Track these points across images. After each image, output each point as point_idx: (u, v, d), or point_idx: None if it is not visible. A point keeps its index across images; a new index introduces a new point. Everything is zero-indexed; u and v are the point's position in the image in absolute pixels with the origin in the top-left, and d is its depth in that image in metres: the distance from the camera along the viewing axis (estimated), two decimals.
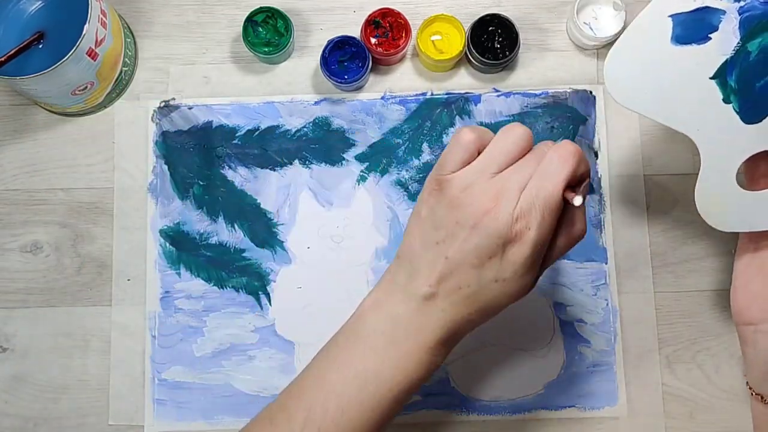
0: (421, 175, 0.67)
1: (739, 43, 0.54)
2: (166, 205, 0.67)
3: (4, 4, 0.63)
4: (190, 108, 0.68)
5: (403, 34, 0.66)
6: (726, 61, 0.54)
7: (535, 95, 0.68)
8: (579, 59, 0.69)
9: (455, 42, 0.67)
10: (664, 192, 0.68)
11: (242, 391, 0.65)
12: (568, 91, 0.68)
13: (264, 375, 0.65)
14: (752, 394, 0.56)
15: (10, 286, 0.67)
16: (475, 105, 0.68)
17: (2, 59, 0.59)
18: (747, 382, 0.56)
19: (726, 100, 0.54)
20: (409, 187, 0.67)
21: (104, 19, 0.62)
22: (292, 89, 0.69)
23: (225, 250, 0.67)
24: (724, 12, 0.54)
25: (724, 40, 0.54)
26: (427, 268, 0.48)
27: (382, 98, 0.68)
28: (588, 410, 0.65)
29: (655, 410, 0.65)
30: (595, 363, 0.66)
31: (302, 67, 0.69)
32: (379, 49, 0.66)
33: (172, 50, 0.70)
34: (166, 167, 0.68)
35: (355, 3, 0.70)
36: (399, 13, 0.66)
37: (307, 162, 0.68)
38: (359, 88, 0.69)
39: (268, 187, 0.67)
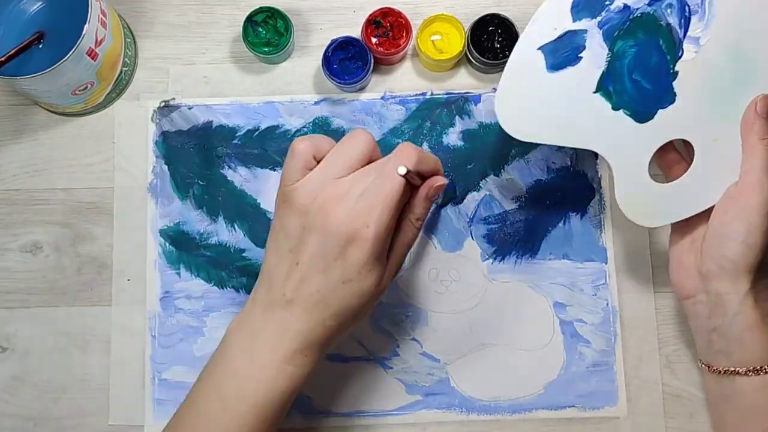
0: None
1: (608, 53, 0.58)
2: (166, 205, 0.67)
3: (5, 4, 0.63)
4: (190, 108, 0.68)
5: (404, 34, 0.66)
6: (603, 72, 0.58)
7: None
8: None
9: (455, 42, 0.67)
10: None
11: None
12: None
13: None
14: (701, 366, 0.58)
15: (10, 286, 0.67)
16: (475, 105, 0.68)
17: (2, 59, 0.59)
18: (699, 359, 0.59)
19: (615, 108, 0.58)
20: None
21: (104, 19, 0.62)
22: (292, 89, 0.69)
23: (225, 250, 0.67)
24: (585, 31, 0.58)
25: (595, 55, 0.58)
26: (282, 277, 0.49)
27: (382, 98, 0.68)
28: (588, 410, 0.65)
29: (655, 410, 0.65)
30: (595, 363, 0.66)
31: (302, 67, 0.69)
32: (380, 49, 0.66)
33: (172, 50, 0.70)
34: (166, 167, 0.68)
35: (355, 3, 0.70)
36: (400, 13, 0.66)
37: None
38: (362, 89, 0.69)
39: (268, 187, 0.67)
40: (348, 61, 0.67)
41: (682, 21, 0.58)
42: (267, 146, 0.68)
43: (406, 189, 0.49)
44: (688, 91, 0.58)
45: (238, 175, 0.68)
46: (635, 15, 0.58)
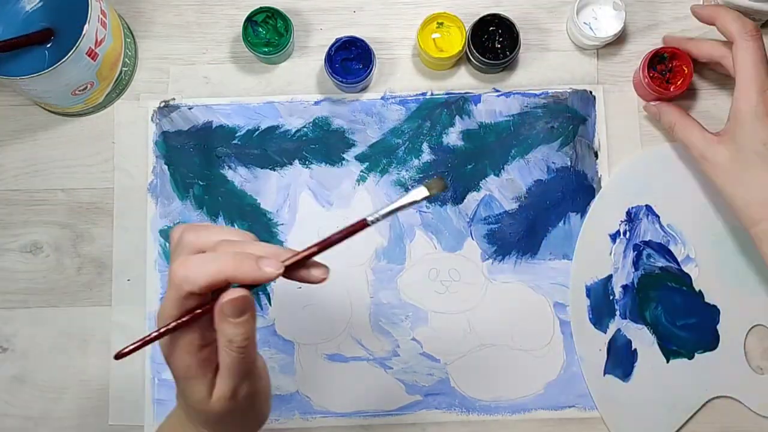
0: (420, 175, 0.67)
1: (646, 327, 0.65)
2: (166, 205, 0.67)
3: (3, 3, 0.63)
4: (190, 108, 0.68)
5: (679, 82, 0.65)
6: (659, 344, 0.65)
7: (535, 95, 0.68)
8: (579, 59, 0.69)
9: (456, 40, 0.67)
10: None
11: None
12: (568, 91, 0.68)
13: None
14: None
15: (10, 286, 0.67)
16: (475, 105, 0.68)
17: (1, 43, 0.59)
18: None
19: (689, 357, 0.65)
20: (409, 187, 0.67)
21: (104, 19, 0.62)
22: (292, 89, 0.69)
23: None
24: (619, 330, 0.65)
25: (642, 341, 0.65)
26: None
27: (382, 98, 0.68)
28: (588, 410, 0.65)
29: None
30: None
31: (302, 67, 0.69)
32: (653, 84, 0.65)
33: (172, 50, 0.70)
34: (166, 167, 0.68)
35: (355, 3, 0.70)
36: (689, 62, 0.65)
37: (307, 162, 0.68)
38: (364, 89, 0.68)
39: (268, 187, 0.67)
40: (350, 62, 0.67)
41: (668, 257, 0.65)
42: (267, 146, 0.68)
43: (191, 297, 0.41)
44: (717, 296, 0.64)
45: (238, 175, 0.67)
46: (635, 285, 0.65)
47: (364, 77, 0.65)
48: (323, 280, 0.43)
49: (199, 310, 0.42)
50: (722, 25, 0.59)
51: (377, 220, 0.44)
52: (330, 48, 0.65)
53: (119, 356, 0.42)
